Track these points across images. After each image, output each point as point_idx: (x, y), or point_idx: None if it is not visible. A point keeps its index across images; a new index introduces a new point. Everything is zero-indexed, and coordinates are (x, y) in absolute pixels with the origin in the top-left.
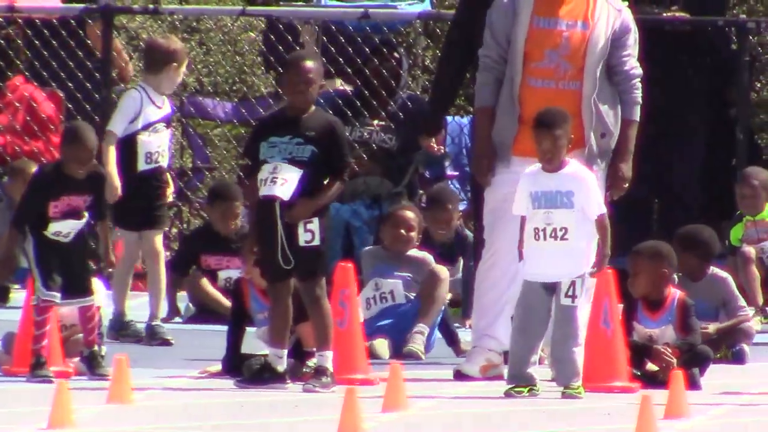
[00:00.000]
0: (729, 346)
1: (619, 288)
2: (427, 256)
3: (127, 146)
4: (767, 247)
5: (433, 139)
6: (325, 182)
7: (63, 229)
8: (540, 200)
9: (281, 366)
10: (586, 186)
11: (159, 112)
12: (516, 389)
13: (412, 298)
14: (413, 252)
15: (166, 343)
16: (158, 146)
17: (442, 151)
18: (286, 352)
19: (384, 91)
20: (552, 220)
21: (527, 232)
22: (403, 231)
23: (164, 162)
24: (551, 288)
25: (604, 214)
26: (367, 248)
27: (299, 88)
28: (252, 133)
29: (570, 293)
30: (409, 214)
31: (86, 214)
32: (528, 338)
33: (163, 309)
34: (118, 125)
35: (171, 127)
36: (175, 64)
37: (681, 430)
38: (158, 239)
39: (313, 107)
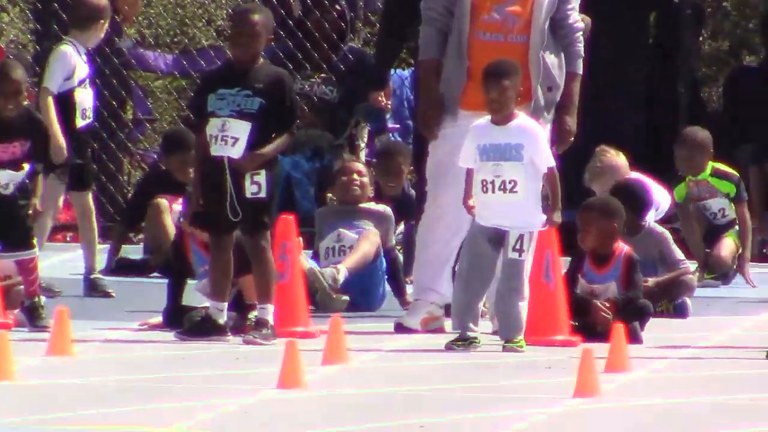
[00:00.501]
0: (671, 300)
1: (561, 241)
2: (387, 209)
3: (64, 103)
4: (709, 204)
5: (381, 94)
6: (273, 135)
7: (0, 179)
8: (488, 153)
9: (221, 319)
10: (535, 139)
11: (86, 68)
12: (457, 343)
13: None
14: (371, 205)
15: (107, 295)
16: (89, 102)
17: (389, 106)
18: (226, 305)
19: (326, 44)
20: (501, 173)
21: (475, 184)
22: (355, 178)
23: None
24: (498, 241)
25: (554, 167)
26: (321, 208)
27: (244, 41)
28: (199, 86)
29: (518, 247)
30: (359, 165)
31: (26, 166)
32: (472, 289)
33: (101, 262)
34: (53, 81)
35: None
36: (102, 21)
37: (622, 384)
38: (90, 197)
39: (261, 60)
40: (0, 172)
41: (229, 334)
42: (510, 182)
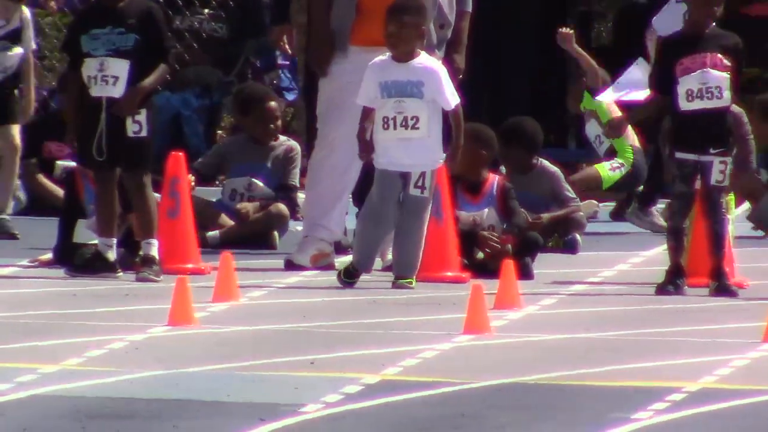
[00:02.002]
0: (561, 236)
1: (449, 179)
2: (295, 146)
3: None
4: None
5: (285, 39)
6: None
7: None
8: (390, 89)
9: (111, 255)
10: (437, 77)
11: None
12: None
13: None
14: (280, 141)
15: (12, 237)
16: None
17: (290, 52)
18: (115, 241)
19: None
20: (403, 109)
21: (376, 121)
22: (274, 116)
23: None
24: (402, 178)
25: (458, 104)
26: (226, 140)
27: None
28: (70, 27)
29: (420, 184)
30: (274, 103)
31: None
32: (379, 228)
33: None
34: None
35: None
36: None
37: (511, 321)
38: (17, 132)
39: None
40: None
41: (120, 270)
42: (412, 118)
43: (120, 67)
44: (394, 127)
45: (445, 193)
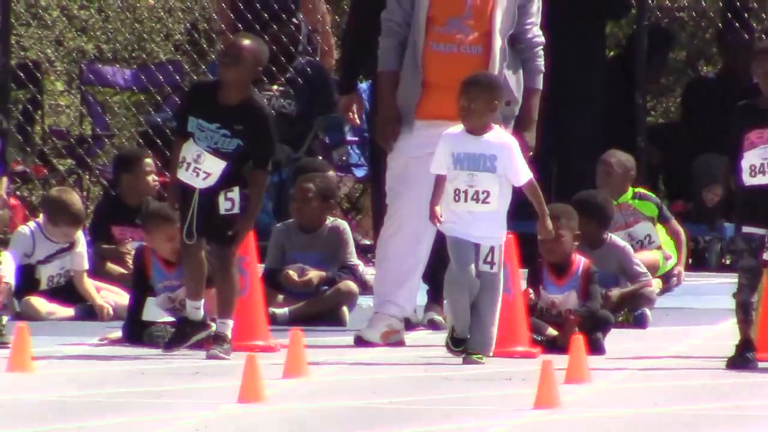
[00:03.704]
0: (630, 311)
1: (519, 253)
2: (343, 226)
3: None
4: (635, 232)
5: (354, 109)
6: (252, 172)
7: None
8: (463, 162)
9: (199, 316)
10: (510, 152)
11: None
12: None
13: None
14: (327, 224)
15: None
16: None
17: (358, 122)
18: (202, 302)
19: (283, 57)
20: (475, 183)
21: (447, 193)
22: (307, 199)
23: None
24: (476, 248)
25: (532, 179)
26: (279, 225)
27: (231, 64)
28: (183, 101)
29: (489, 259)
30: (306, 185)
31: None
32: (465, 293)
33: None
34: None
35: None
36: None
37: (581, 395)
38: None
39: (247, 92)
40: None
41: (213, 324)
42: (483, 192)
43: (216, 166)
44: (465, 200)
45: (515, 267)
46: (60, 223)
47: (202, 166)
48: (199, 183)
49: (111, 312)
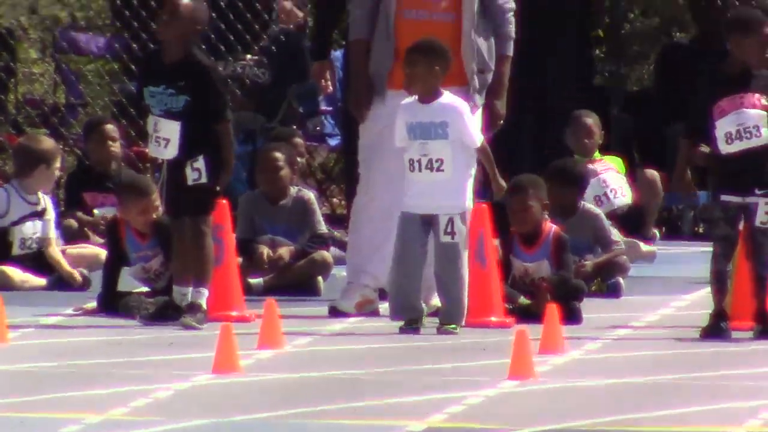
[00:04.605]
0: (604, 280)
1: (493, 223)
2: (308, 196)
3: None
4: (607, 180)
5: (327, 75)
6: (217, 126)
7: None
8: (415, 131)
9: (184, 302)
10: (460, 116)
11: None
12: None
13: (293, 248)
14: (292, 193)
15: None
16: None
17: (331, 89)
18: (190, 289)
19: (256, 26)
20: (427, 151)
21: (405, 164)
22: (276, 169)
23: None
24: (428, 222)
25: (483, 141)
26: (245, 195)
27: (169, 29)
28: (138, 76)
29: (449, 230)
30: (274, 154)
31: None
32: (408, 271)
33: None
34: None
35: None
36: (46, 165)
37: (556, 365)
38: None
39: (189, 49)
40: None
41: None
42: (437, 161)
43: (170, 129)
44: (420, 170)
45: (489, 237)
46: (32, 168)
47: (160, 133)
48: (162, 152)
49: (79, 279)
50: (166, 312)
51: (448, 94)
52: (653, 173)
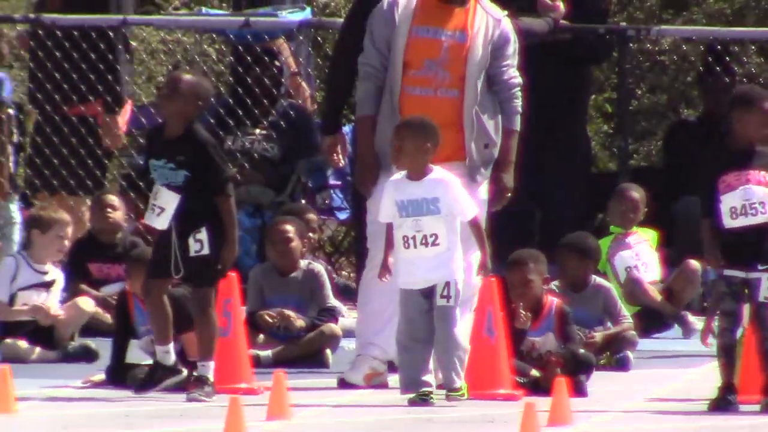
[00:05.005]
0: (613, 353)
1: (502, 297)
2: (318, 269)
3: None
4: (641, 252)
5: (338, 150)
6: (217, 200)
7: None
8: (407, 208)
9: (170, 360)
10: (451, 190)
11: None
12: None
13: (305, 323)
14: (302, 266)
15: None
16: None
17: (342, 163)
18: (171, 345)
19: (265, 101)
20: (421, 227)
21: (396, 240)
22: (286, 241)
23: None
24: (428, 294)
25: (476, 215)
26: (255, 268)
27: (170, 106)
28: (144, 149)
29: (445, 293)
30: (286, 226)
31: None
32: (415, 345)
33: None
34: None
35: None
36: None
37: None
38: None
39: (187, 125)
40: None
41: (184, 370)
42: (431, 236)
43: (169, 200)
44: (415, 246)
45: (497, 311)
46: (48, 229)
47: (157, 202)
48: (155, 220)
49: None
50: (155, 374)
51: (438, 170)
52: (696, 264)
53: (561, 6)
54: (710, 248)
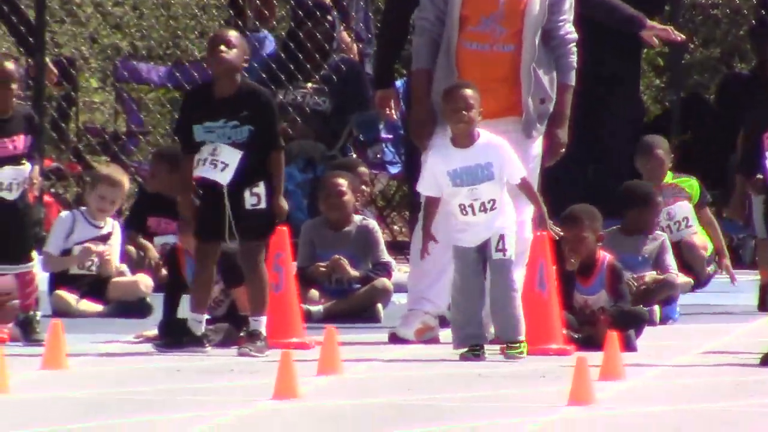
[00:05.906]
0: (662, 305)
1: (554, 252)
2: (372, 225)
3: None
4: (674, 212)
5: (390, 104)
6: (270, 154)
7: (3, 179)
8: (461, 176)
9: (199, 330)
10: (502, 152)
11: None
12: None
13: (358, 275)
14: (355, 221)
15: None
16: None
17: (394, 117)
18: (205, 317)
19: (317, 55)
20: (478, 195)
21: (452, 207)
22: (339, 194)
23: None
24: (482, 249)
25: (525, 176)
26: (308, 222)
27: (221, 67)
28: (182, 115)
29: (500, 247)
30: (339, 180)
31: (27, 163)
32: (469, 301)
33: None
34: None
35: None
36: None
37: (616, 392)
38: None
39: (239, 80)
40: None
41: (208, 345)
42: (489, 201)
43: (233, 156)
44: (473, 213)
45: (549, 265)
46: (99, 184)
47: (219, 157)
48: (218, 175)
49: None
50: (181, 339)
51: (485, 133)
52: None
53: None
54: (737, 202)
